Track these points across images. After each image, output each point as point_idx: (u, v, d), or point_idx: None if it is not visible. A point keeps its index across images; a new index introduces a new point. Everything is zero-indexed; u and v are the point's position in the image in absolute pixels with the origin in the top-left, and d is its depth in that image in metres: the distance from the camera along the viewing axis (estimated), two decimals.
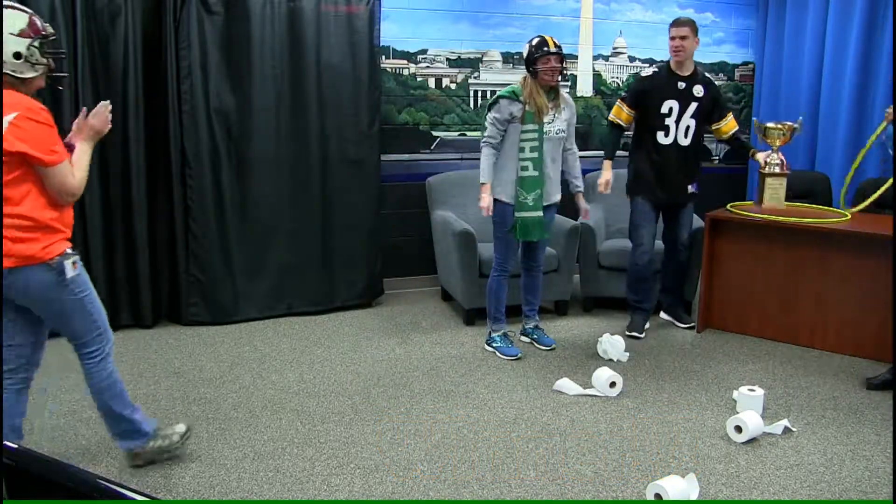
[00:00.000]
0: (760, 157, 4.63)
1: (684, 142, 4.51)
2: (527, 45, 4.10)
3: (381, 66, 5.25)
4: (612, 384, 3.80)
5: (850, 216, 4.49)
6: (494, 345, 4.39)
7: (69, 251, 2.67)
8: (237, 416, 3.54)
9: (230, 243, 4.84)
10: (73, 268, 2.67)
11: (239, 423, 3.48)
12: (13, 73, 2.52)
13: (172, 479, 2.97)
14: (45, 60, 2.59)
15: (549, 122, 4.12)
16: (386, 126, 5.36)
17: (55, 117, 2.62)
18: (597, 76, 5.93)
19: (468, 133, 5.68)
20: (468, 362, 4.26)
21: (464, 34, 5.58)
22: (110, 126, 2.81)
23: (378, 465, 3.10)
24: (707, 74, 4.63)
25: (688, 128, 4.49)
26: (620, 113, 4.58)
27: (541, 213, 4.18)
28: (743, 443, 3.31)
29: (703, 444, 3.33)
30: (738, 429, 3.34)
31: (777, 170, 4.63)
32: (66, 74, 2.75)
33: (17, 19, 2.51)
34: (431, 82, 5.56)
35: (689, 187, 4.62)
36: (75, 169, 2.62)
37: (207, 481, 2.97)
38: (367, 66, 5.00)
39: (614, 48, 5.99)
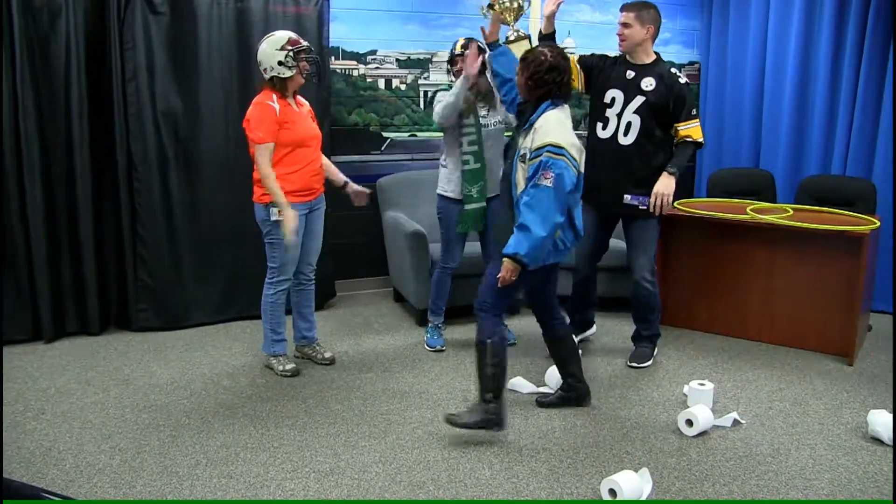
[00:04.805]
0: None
1: (624, 140, 3.97)
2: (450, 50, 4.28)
3: (331, 67, 5.22)
4: None
5: (791, 212, 4.60)
6: (426, 335, 4.54)
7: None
8: (189, 423, 3.49)
9: (180, 247, 4.77)
10: (277, 214, 3.75)
11: (190, 429, 3.43)
12: (278, 75, 3.73)
13: (123, 490, 2.91)
14: (297, 64, 3.74)
15: (485, 116, 4.20)
16: (336, 127, 5.32)
17: None
18: None
19: (419, 134, 5.67)
20: (422, 363, 4.26)
21: (413, 35, 5.58)
22: None
23: (333, 469, 3.08)
24: (675, 70, 4.03)
25: (629, 124, 3.95)
26: (572, 61, 4.03)
27: (484, 204, 4.24)
28: (694, 436, 3.38)
29: (655, 438, 3.38)
30: (689, 422, 3.40)
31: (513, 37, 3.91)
32: (313, 73, 3.89)
33: (280, 39, 3.74)
34: (381, 83, 5.54)
35: (627, 197, 4.00)
36: (268, 171, 3.74)
37: (159, 490, 2.92)
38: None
39: (563, 48, 6.01)
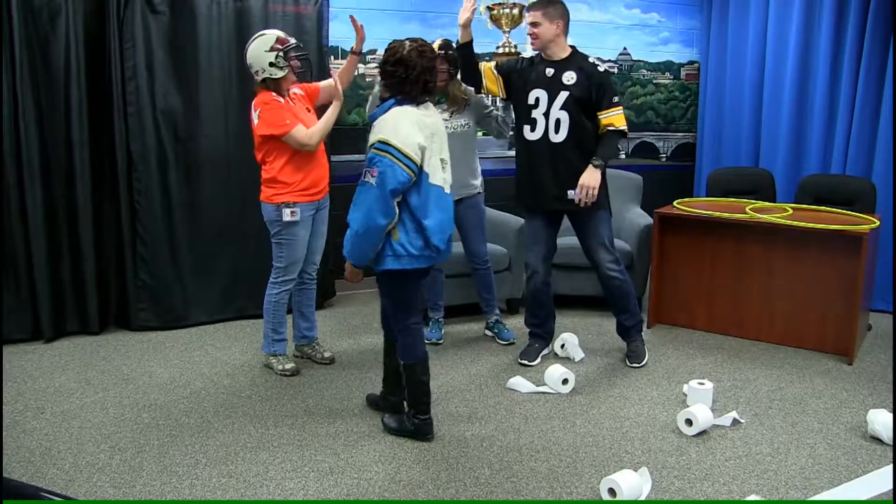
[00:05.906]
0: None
1: (556, 138, 3.90)
2: None
3: (330, 66, 5.22)
4: (565, 381, 3.84)
5: (791, 211, 4.60)
6: (424, 329, 4.53)
7: (291, 202, 3.79)
8: (188, 422, 3.49)
9: (179, 246, 4.77)
10: (289, 215, 3.79)
11: (190, 428, 3.43)
12: (270, 76, 3.73)
13: (122, 489, 2.91)
14: (288, 63, 3.75)
15: (448, 119, 4.18)
16: (335, 126, 5.26)
17: None
18: None
19: None
20: None
21: (413, 34, 5.49)
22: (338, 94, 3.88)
23: (333, 468, 3.09)
24: (593, 60, 3.96)
25: (558, 121, 3.88)
26: (488, 68, 4.07)
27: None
28: (693, 435, 3.37)
29: (654, 437, 3.38)
30: (689, 422, 3.40)
31: (501, 51, 4.20)
32: (305, 70, 3.90)
33: (268, 40, 3.73)
34: None
35: (570, 192, 3.91)
36: (313, 126, 3.81)
37: (159, 489, 2.92)
38: (316, 66, 4.96)
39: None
